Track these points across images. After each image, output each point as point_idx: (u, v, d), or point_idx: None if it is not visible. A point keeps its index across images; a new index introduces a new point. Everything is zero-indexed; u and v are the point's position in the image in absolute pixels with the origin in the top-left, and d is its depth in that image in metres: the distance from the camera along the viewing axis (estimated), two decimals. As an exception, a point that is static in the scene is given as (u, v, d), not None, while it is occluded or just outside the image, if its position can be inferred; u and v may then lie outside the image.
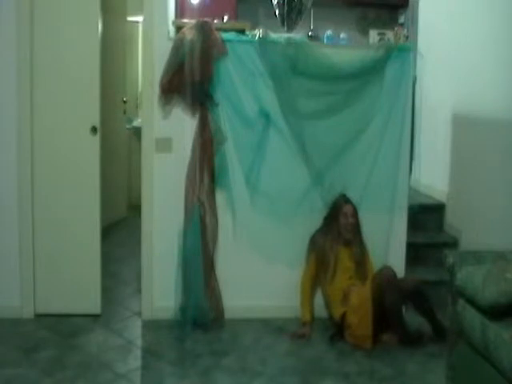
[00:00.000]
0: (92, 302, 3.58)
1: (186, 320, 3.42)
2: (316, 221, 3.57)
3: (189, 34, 3.35)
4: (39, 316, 3.54)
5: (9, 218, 3.48)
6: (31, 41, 3.38)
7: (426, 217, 4.41)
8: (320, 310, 3.64)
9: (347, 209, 3.46)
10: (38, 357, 3.09)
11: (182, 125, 3.50)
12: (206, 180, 3.45)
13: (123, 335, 3.40)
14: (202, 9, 5.06)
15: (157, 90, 3.41)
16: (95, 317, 3.57)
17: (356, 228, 3.50)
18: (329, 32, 3.89)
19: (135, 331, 3.49)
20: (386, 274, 3.29)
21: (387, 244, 3.64)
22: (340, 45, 3.83)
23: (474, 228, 4.03)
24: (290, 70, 3.45)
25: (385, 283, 3.23)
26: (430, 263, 4.08)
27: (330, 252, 3.44)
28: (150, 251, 3.57)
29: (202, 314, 3.46)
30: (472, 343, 2.55)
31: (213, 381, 2.94)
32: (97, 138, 3.49)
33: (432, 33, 4.90)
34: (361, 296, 3.25)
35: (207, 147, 3.43)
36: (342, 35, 3.92)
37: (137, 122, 6.21)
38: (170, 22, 3.65)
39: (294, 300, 3.63)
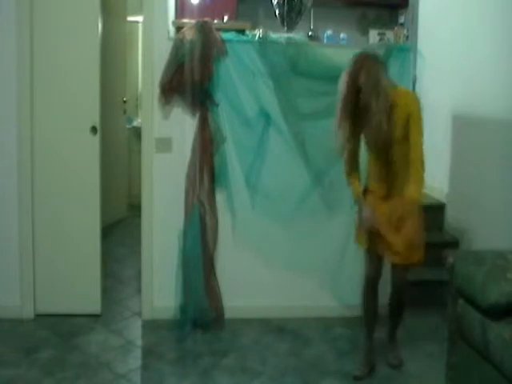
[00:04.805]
0: (92, 302, 3.58)
1: (186, 320, 3.42)
2: (316, 221, 3.57)
3: (189, 34, 3.35)
4: (39, 316, 3.54)
5: (9, 218, 3.48)
6: (31, 41, 3.38)
7: (426, 217, 4.40)
8: (321, 309, 3.65)
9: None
10: (38, 357, 3.09)
11: (182, 125, 3.50)
12: (206, 180, 3.45)
13: (123, 335, 3.40)
14: (202, 9, 5.05)
15: (157, 90, 3.41)
16: (95, 317, 3.57)
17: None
18: (329, 32, 3.90)
19: (135, 331, 3.49)
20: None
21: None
22: (340, 45, 3.83)
23: (474, 228, 4.03)
24: (290, 70, 3.45)
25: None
26: (430, 263, 4.07)
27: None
28: (150, 251, 3.57)
29: (201, 314, 3.46)
30: (472, 343, 2.54)
31: (213, 381, 2.94)
32: (97, 138, 3.49)
33: (432, 33, 4.90)
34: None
35: (207, 147, 3.43)
36: (342, 35, 3.92)
37: (137, 122, 6.22)
38: (170, 22, 3.65)
39: (294, 300, 3.64)
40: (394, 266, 3.06)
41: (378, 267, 3.07)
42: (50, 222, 3.51)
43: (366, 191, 3.02)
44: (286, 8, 3.54)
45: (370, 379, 3.00)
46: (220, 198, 3.53)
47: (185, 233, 3.45)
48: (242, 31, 3.62)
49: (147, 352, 3.23)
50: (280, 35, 3.51)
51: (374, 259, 3.04)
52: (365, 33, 5.32)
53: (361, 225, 2.99)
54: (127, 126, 6.08)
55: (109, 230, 5.07)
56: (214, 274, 3.53)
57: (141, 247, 3.61)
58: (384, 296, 3.22)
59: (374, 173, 3.02)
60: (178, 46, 3.35)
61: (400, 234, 2.91)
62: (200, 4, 5.01)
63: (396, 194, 2.91)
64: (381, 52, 3.51)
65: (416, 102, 2.87)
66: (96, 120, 3.48)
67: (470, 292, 2.55)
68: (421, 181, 2.86)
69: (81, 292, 3.56)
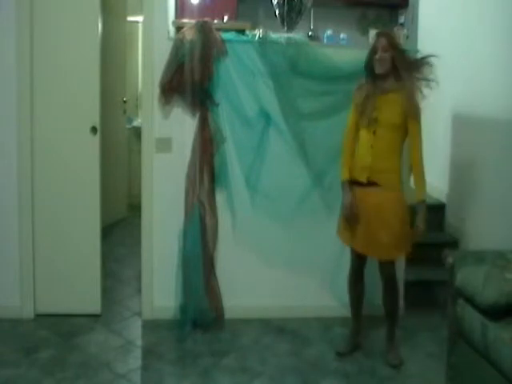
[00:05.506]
0: (92, 302, 3.58)
1: (186, 320, 3.42)
2: (316, 221, 3.57)
3: (189, 34, 3.35)
4: (39, 316, 3.54)
5: (9, 218, 3.48)
6: (31, 41, 3.38)
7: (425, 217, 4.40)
8: (321, 309, 3.65)
9: (378, 42, 2.99)
10: (38, 357, 3.09)
11: (182, 125, 3.50)
12: (206, 180, 3.45)
13: (123, 335, 3.40)
14: (202, 9, 5.04)
15: (157, 90, 3.41)
16: (95, 317, 3.57)
17: (391, 62, 2.97)
18: (329, 32, 3.90)
19: (135, 331, 3.49)
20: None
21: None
22: (340, 45, 3.83)
23: (474, 228, 4.03)
24: (290, 70, 3.45)
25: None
26: (430, 263, 4.08)
27: (367, 99, 3.04)
28: (150, 251, 3.57)
29: (202, 314, 3.46)
30: (472, 343, 2.55)
31: (213, 381, 2.94)
32: (97, 138, 3.49)
33: (432, 33, 4.90)
34: None
35: (207, 147, 3.43)
36: (342, 35, 3.92)
37: (137, 122, 6.22)
38: (170, 22, 3.65)
39: (294, 300, 3.64)
40: (380, 262, 3.10)
41: (362, 258, 3.17)
42: (50, 222, 3.51)
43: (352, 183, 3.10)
44: (286, 8, 3.53)
45: (370, 379, 3.00)
46: (220, 198, 3.53)
47: (185, 233, 3.44)
48: (242, 31, 3.61)
49: (147, 352, 3.23)
50: (280, 35, 3.51)
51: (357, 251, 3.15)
52: (365, 33, 5.31)
53: (341, 213, 3.13)
54: (127, 126, 6.08)
55: (109, 230, 5.07)
56: (214, 274, 3.53)
57: (141, 247, 3.61)
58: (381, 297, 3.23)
59: (359, 156, 3.07)
60: (178, 46, 3.35)
61: (385, 229, 2.99)
62: (200, 4, 5.00)
63: (379, 182, 3.04)
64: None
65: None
66: (96, 120, 3.48)
67: (470, 292, 2.55)
68: (425, 184, 3.09)
69: (81, 292, 3.56)
